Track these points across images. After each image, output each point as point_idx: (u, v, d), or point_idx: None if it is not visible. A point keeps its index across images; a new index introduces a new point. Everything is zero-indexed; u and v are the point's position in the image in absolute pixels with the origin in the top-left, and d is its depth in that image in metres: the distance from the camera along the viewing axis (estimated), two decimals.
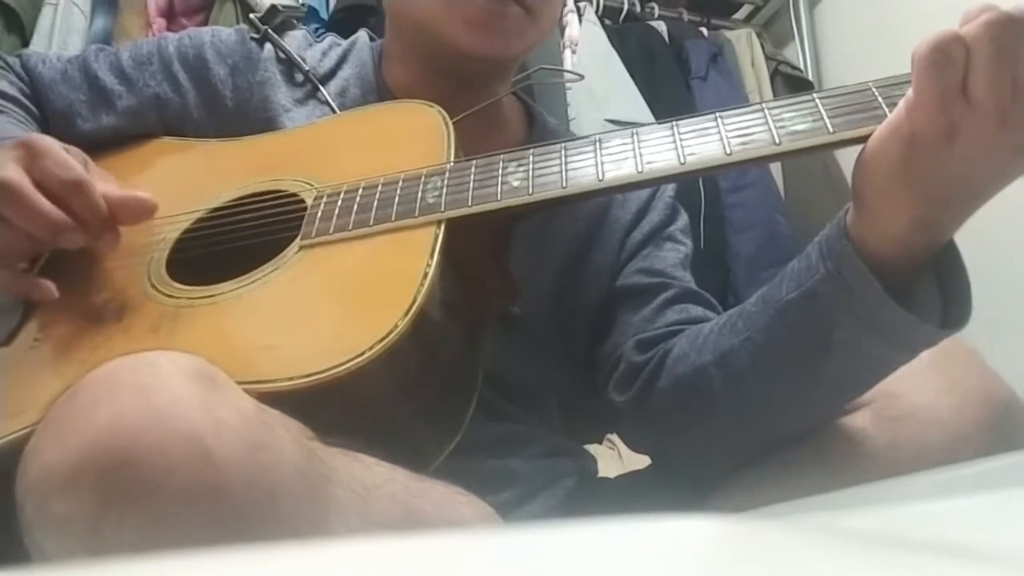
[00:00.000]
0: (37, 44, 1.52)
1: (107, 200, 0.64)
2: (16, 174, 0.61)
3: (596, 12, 1.82)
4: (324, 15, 1.64)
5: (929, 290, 0.54)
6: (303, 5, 1.65)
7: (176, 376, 0.42)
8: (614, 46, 1.76)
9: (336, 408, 0.52)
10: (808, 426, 0.63)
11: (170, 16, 1.63)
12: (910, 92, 0.49)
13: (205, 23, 1.61)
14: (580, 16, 1.79)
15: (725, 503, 0.65)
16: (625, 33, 1.84)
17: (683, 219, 0.85)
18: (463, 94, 0.76)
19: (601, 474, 0.84)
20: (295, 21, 0.87)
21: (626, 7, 1.89)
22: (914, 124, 0.49)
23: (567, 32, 1.77)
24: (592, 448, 1.00)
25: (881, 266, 0.53)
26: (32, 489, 0.41)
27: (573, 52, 1.74)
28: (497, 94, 0.81)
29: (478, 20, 0.73)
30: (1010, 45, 0.46)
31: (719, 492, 0.67)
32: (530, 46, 0.79)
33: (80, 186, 0.62)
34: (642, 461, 0.81)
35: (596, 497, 0.76)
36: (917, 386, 0.59)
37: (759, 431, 0.65)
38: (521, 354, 0.75)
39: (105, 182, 0.66)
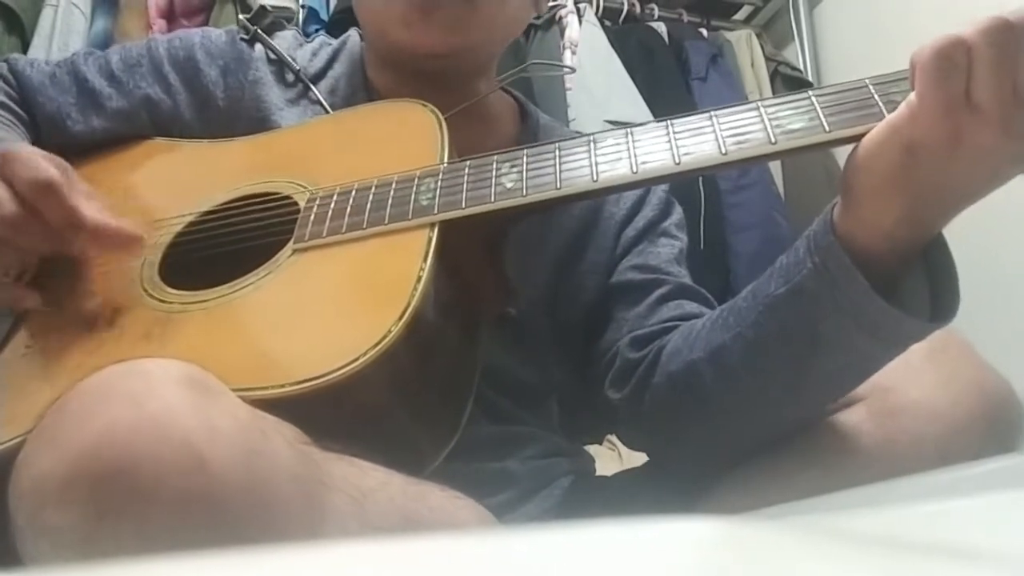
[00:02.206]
0: (37, 45, 1.53)
1: (96, 226, 0.63)
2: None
3: (596, 13, 1.82)
4: (324, 16, 1.65)
5: (917, 284, 0.54)
6: (303, 6, 1.66)
7: (169, 384, 0.42)
8: (614, 47, 1.76)
9: (331, 413, 0.52)
10: (801, 420, 0.63)
11: (170, 17, 1.63)
12: (912, 97, 0.49)
13: (205, 24, 1.61)
14: (580, 17, 1.79)
15: (723, 500, 0.65)
16: (625, 34, 1.84)
17: (677, 214, 0.85)
18: (441, 92, 0.75)
19: (599, 474, 0.84)
20: (285, 22, 0.87)
21: (626, 8, 1.90)
22: (916, 130, 0.49)
23: (567, 33, 1.77)
24: (592, 448, 1.00)
25: (868, 260, 0.53)
26: (24, 499, 0.40)
27: (573, 53, 1.74)
28: (479, 91, 0.80)
29: (412, 16, 0.72)
30: (1011, 51, 0.46)
31: (716, 489, 0.67)
32: (480, 38, 0.77)
33: (49, 187, 0.61)
34: (642, 461, 0.80)
35: (593, 496, 0.75)
36: (912, 380, 0.59)
37: (752, 426, 0.65)
38: (518, 354, 0.75)
39: (89, 200, 0.64)
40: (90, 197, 0.65)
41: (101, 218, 0.63)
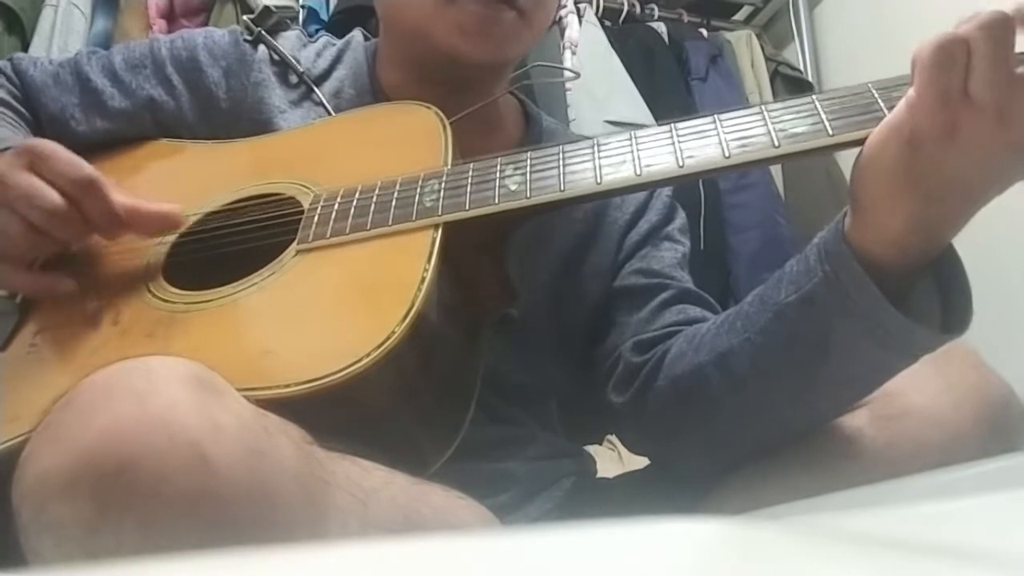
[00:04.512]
0: (37, 45, 1.52)
1: (133, 211, 0.65)
2: (27, 180, 0.61)
3: (596, 13, 1.82)
4: (324, 16, 1.65)
5: (928, 295, 0.54)
6: (303, 7, 1.66)
7: (173, 381, 0.42)
8: (614, 47, 1.76)
9: (335, 413, 0.52)
10: (807, 428, 0.63)
11: (170, 17, 1.63)
12: (911, 92, 0.50)
13: (205, 24, 1.61)
14: (580, 17, 1.79)
15: (723, 503, 0.65)
16: (625, 34, 1.84)
17: (681, 218, 0.85)
18: (458, 96, 0.75)
19: (600, 475, 0.84)
20: (289, 22, 0.87)
21: (626, 8, 1.89)
22: (915, 124, 0.49)
23: (567, 33, 1.77)
24: (592, 449, 1.00)
25: (879, 270, 0.53)
26: (28, 495, 0.40)
27: (573, 53, 1.74)
28: (493, 95, 0.81)
29: (471, 26, 0.72)
30: (1009, 43, 0.47)
31: (717, 492, 0.67)
32: (525, 49, 0.79)
33: (92, 184, 0.63)
34: (642, 462, 0.81)
35: (594, 498, 0.76)
36: (915, 385, 0.59)
37: (757, 432, 0.65)
38: (520, 356, 0.75)
39: (116, 190, 0.66)
40: (115, 188, 0.66)
41: (137, 204, 0.66)
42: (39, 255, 0.66)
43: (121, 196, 0.66)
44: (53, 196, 0.62)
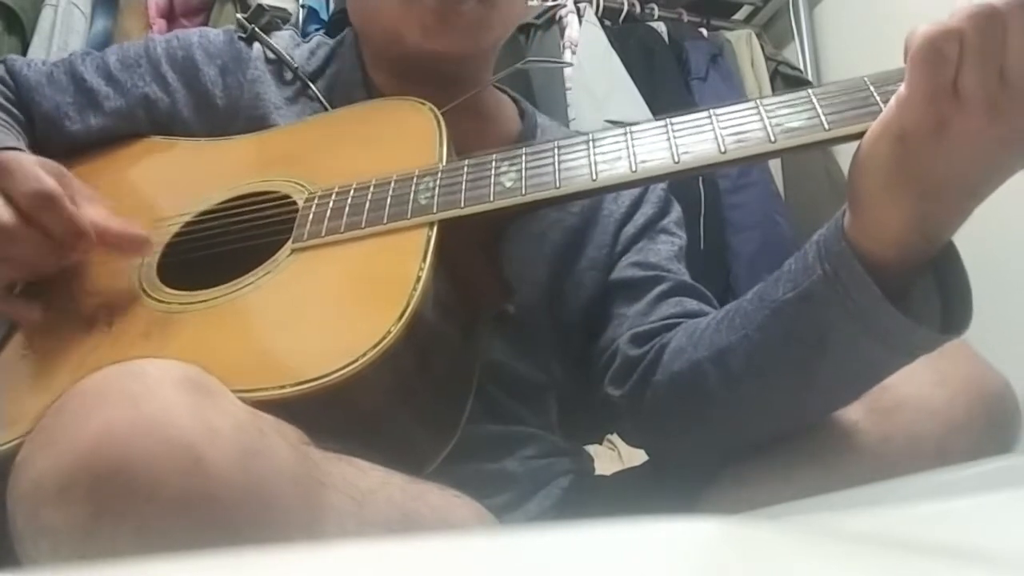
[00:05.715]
0: (37, 45, 1.53)
1: (101, 230, 0.64)
2: None
3: (596, 13, 1.83)
4: (324, 16, 1.65)
5: (928, 294, 0.54)
6: (303, 6, 1.66)
7: (167, 384, 0.42)
8: (614, 47, 1.76)
9: (331, 413, 0.52)
10: (804, 424, 0.63)
11: (170, 17, 1.64)
12: (902, 88, 0.49)
13: (205, 24, 1.62)
14: (580, 17, 1.79)
15: (721, 497, 0.65)
16: (625, 34, 1.84)
17: (676, 211, 0.85)
18: (442, 90, 0.75)
19: (599, 473, 0.84)
20: (280, 22, 0.87)
21: (626, 8, 1.90)
22: (904, 121, 0.49)
23: (567, 33, 1.78)
24: (592, 448, 1.00)
25: (879, 269, 0.52)
26: (23, 499, 0.40)
27: (573, 52, 1.74)
28: (478, 87, 0.80)
29: (432, 22, 0.72)
30: (998, 36, 0.46)
31: (715, 487, 0.66)
32: (498, 35, 0.78)
33: (49, 200, 0.61)
34: (640, 460, 0.81)
35: (592, 496, 0.75)
36: (909, 378, 0.59)
37: (755, 428, 0.64)
38: (518, 351, 0.75)
39: (92, 203, 0.65)
40: (92, 200, 0.65)
41: (104, 222, 0.64)
42: (8, 278, 0.65)
43: (94, 211, 0.64)
44: (2, 212, 0.60)
